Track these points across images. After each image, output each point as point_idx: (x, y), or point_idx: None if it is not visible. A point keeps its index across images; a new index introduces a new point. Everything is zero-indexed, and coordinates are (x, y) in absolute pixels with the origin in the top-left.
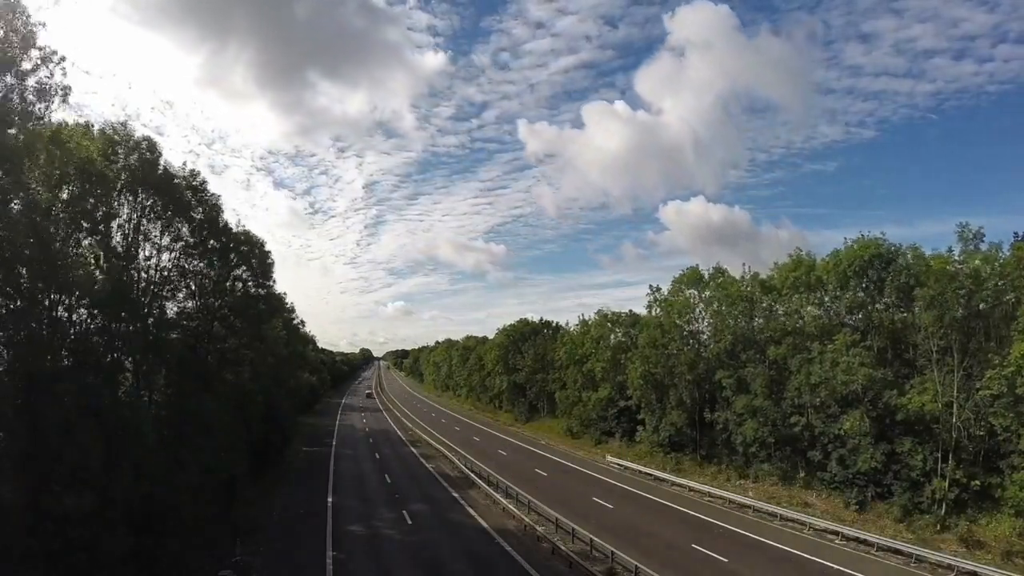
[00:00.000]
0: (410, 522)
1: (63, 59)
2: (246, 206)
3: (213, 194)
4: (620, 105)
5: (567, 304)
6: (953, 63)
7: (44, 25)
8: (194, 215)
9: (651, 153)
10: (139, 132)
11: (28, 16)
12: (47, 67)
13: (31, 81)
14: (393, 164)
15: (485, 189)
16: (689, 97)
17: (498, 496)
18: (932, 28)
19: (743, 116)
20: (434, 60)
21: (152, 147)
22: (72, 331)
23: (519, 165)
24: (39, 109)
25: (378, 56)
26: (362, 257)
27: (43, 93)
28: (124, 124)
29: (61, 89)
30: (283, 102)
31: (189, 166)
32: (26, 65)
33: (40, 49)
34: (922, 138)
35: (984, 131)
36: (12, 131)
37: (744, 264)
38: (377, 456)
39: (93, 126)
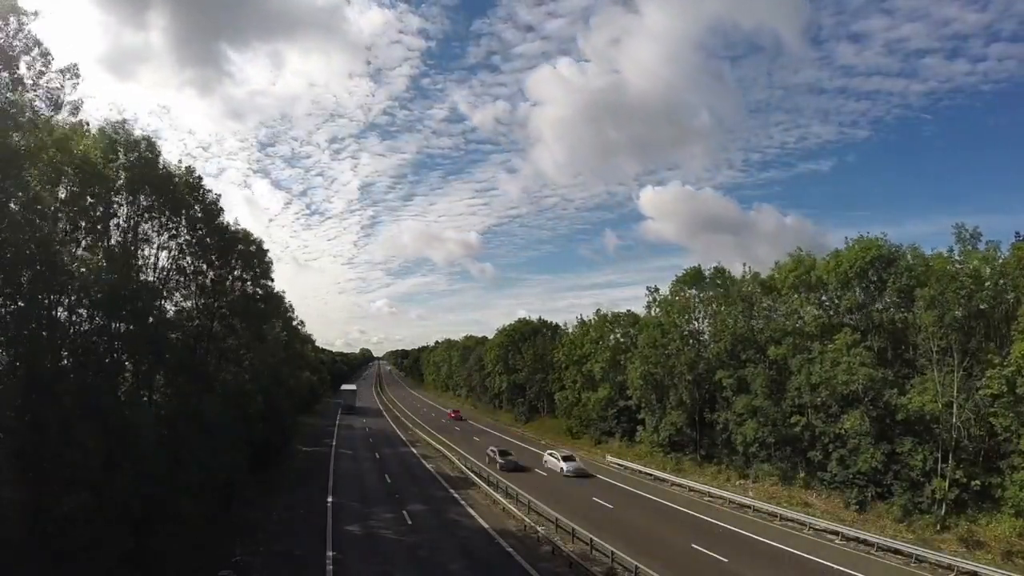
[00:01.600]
0: (410, 522)
1: (76, 71)
2: (244, 208)
3: (211, 192)
4: (567, 65)
5: (564, 304)
6: (946, 63)
7: (36, 14)
8: (192, 214)
9: (628, 122)
10: (138, 132)
11: (27, 18)
12: (58, 78)
13: (38, 90)
14: (388, 165)
15: (481, 190)
16: (657, 49)
17: (498, 496)
18: (923, 28)
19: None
20: (378, 17)
21: (152, 146)
22: (72, 331)
23: (513, 166)
24: (45, 115)
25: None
26: (359, 258)
27: (51, 101)
28: (123, 122)
29: (71, 102)
30: (206, 80)
31: (185, 165)
32: (28, 70)
33: (44, 54)
34: (916, 138)
35: (979, 131)
36: (15, 135)
37: (744, 264)
38: (377, 456)
39: (88, 124)
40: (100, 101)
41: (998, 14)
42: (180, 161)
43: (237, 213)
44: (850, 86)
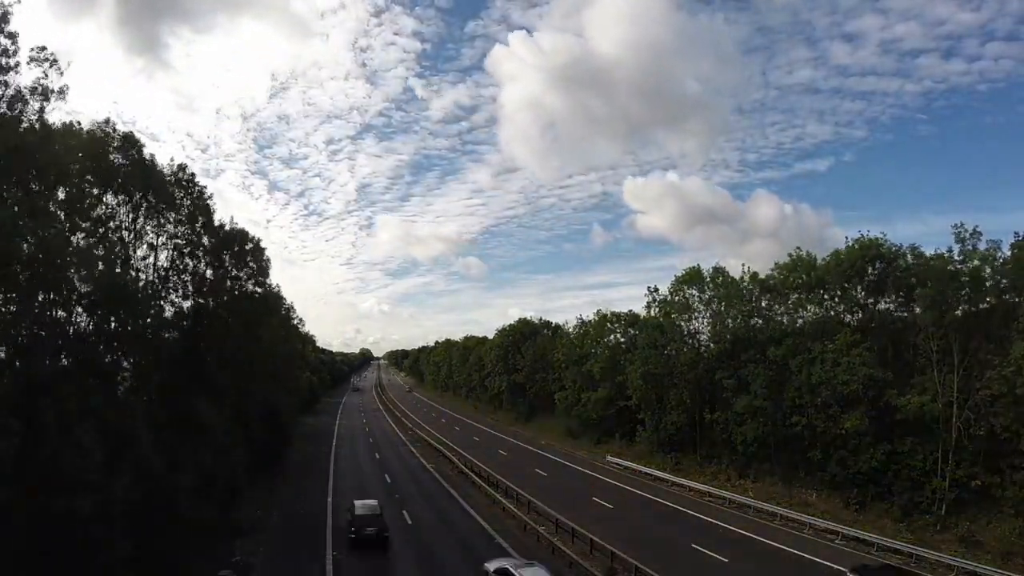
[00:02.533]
0: (410, 522)
1: (56, 61)
2: (242, 209)
3: (202, 189)
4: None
5: (560, 305)
6: (942, 62)
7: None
8: (186, 211)
9: (613, 98)
10: (122, 128)
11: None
12: (40, 67)
13: (24, 80)
14: (385, 166)
15: (478, 190)
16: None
17: (498, 496)
18: (917, 28)
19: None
20: None
21: (133, 142)
22: (70, 332)
23: (510, 167)
24: (34, 108)
25: None
26: (358, 258)
27: (38, 93)
28: (107, 121)
29: (57, 89)
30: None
31: (181, 164)
32: (13, 61)
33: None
34: (913, 138)
35: (975, 130)
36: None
37: (744, 264)
38: (377, 456)
39: (80, 124)
40: (98, 104)
41: (993, 13)
42: (172, 160)
43: (235, 214)
44: (845, 86)
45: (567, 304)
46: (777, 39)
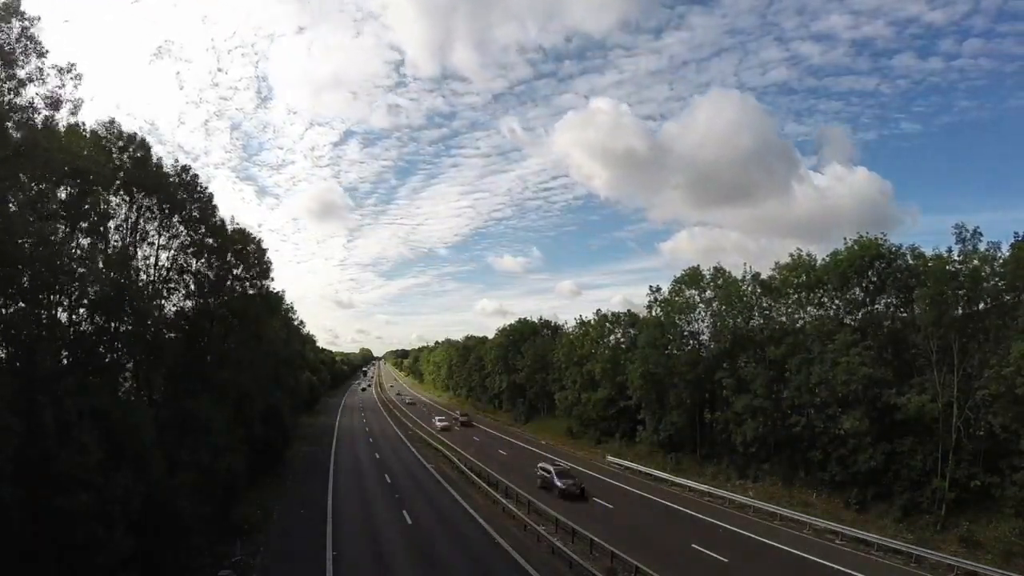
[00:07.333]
0: (410, 522)
1: (79, 75)
2: (232, 214)
3: (206, 191)
4: None
5: (554, 305)
6: (920, 61)
7: (39, 19)
8: (190, 213)
9: None
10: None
11: (33, 21)
12: (60, 78)
13: (39, 89)
14: (370, 172)
15: (465, 192)
16: None
17: (498, 496)
18: (886, 27)
19: None
20: None
21: (142, 144)
22: (71, 331)
23: (495, 169)
24: (45, 115)
25: None
26: (350, 260)
27: (50, 101)
28: (112, 121)
29: (72, 100)
30: None
31: (184, 166)
32: (30, 70)
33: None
34: (895, 137)
35: (960, 128)
36: (14, 132)
37: (744, 263)
38: (377, 456)
39: (85, 125)
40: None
41: (967, 11)
42: (176, 161)
43: (226, 219)
44: (821, 87)
45: (558, 305)
46: (747, 40)
